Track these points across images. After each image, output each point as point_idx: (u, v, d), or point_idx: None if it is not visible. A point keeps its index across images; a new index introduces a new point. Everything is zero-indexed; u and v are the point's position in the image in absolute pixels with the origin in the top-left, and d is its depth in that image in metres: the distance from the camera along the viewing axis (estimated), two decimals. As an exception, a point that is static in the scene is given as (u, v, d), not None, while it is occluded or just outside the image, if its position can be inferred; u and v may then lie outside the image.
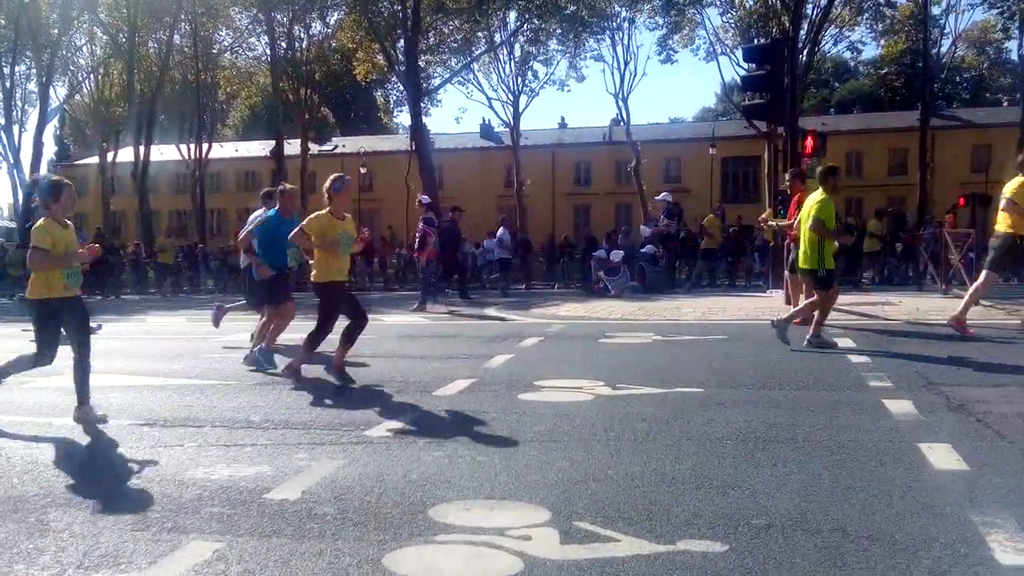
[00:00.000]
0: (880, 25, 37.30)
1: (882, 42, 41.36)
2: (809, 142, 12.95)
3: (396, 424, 5.17)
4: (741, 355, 7.86)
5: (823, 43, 35.40)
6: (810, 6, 31.82)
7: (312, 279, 6.90)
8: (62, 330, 5.59)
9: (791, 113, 13.23)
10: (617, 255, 17.81)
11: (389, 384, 6.71)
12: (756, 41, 31.04)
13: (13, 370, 5.75)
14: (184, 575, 2.91)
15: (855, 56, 47.50)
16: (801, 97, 33.87)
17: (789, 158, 13.45)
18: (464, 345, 9.22)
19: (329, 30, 40.26)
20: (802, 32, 30.19)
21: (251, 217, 8.93)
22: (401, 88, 39.71)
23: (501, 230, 21.76)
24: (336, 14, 39.20)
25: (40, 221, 5.48)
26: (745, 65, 20.68)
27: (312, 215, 6.83)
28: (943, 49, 39.00)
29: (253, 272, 8.31)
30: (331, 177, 6.91)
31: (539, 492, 3.71)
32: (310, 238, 6.68)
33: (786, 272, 10.76)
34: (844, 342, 8.29)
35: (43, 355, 5.53)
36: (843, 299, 10.82)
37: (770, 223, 11.61)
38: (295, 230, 6.85)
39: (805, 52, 30.79)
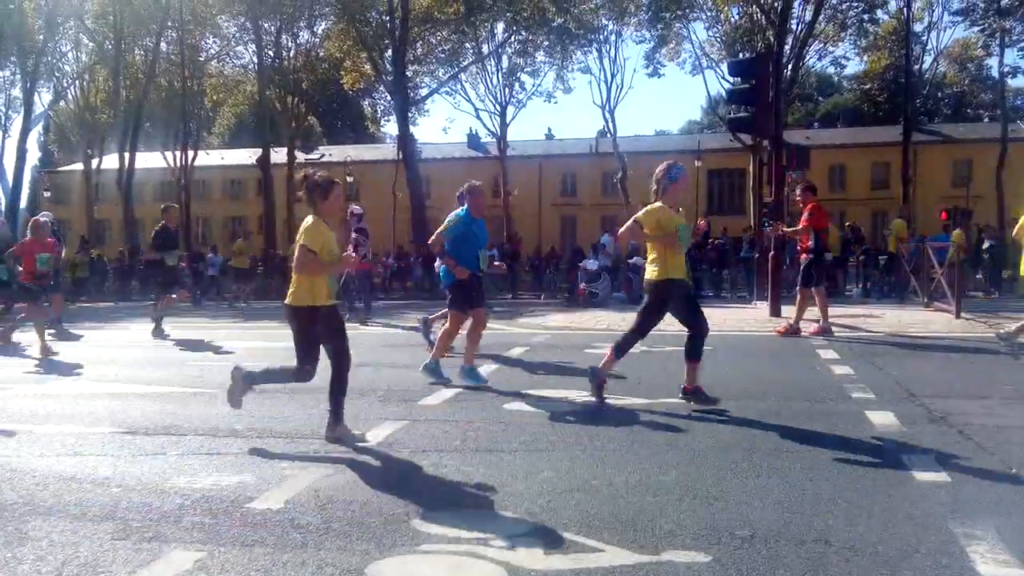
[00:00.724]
0: (863, 41, 37.75)
1: (865, 58, 41.81)
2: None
3: (381, 433, 5.15)
4: (725, 366, 7.89)
5: (807, 58, 35.81)
6: (795, 21, 32.25)
7: (647, 278, 6.05)
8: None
9: (775, 127, 13.35)
10: (592, 263, 18.10)
11: (374, 393, 6.68)
12: (741, 55, 31.33)
13: (271, 380, 5.30)
14: (165, 585, 2.88)
15: (839, 71, 48.14)
16: (785, 111, 34.25)
17: (773, 171, 13.56)
18: (449, 354, 9.19)
19: (317, 39, 40.32)
20: (787, 47, 30.52)
21: (448, 218, 7.95)
22: (388, 98, 39.77)
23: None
24: (324, 23, 39.31)
25: (309, 220, 4.95)
26: (731, 79, 20.85)
27: (648, 207, 5.89)
28: (925, 65, 39.62)
29: (443, 275, 7.44)
30: (663, 165, 6.00)
31: (523, 502, 3.71)
32: (643, 231, 5.85)
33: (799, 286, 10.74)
34: (827, 354, 8.36)
35: (304, 369, 5.01)
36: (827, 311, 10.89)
37: (784, 229, 11.70)
38: (626, 225, 5.99)
39: (789, 67, 31.13)
